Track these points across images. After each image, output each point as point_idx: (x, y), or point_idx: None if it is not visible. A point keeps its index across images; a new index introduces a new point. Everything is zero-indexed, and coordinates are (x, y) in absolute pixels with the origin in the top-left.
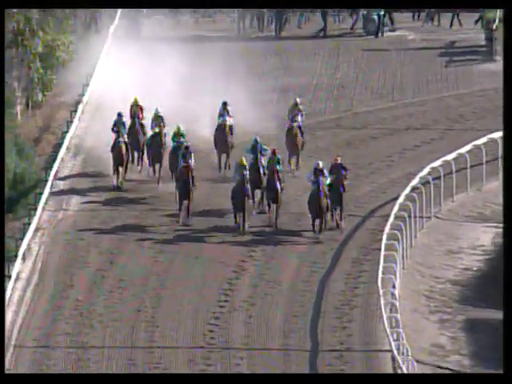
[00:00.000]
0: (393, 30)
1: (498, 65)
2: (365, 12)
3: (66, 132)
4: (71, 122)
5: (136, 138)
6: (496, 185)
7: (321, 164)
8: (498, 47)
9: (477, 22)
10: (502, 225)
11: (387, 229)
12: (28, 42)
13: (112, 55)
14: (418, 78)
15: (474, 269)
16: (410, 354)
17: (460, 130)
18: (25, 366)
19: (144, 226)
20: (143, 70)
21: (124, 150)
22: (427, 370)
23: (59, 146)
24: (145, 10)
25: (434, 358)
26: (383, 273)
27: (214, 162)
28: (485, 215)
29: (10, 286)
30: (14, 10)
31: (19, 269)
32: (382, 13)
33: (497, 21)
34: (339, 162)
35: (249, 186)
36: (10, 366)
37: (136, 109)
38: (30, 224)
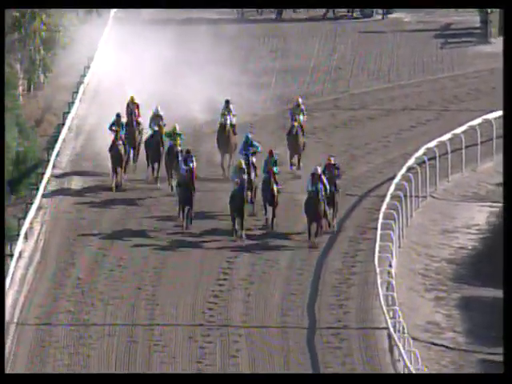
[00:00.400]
0: (389, 13)
1: (492, 47)
2: None
3: (68, 113)
4: (73, 102)
5: (132, 136)
6: (490, 165)
7: (319, 170)
8: (493, 29)
9: None
10: (496, 204)
11: (383, 208)
12: (30, 25)
13: (112, 38)
14: (413, 59)
15: (469, 247)
16: (405, 331)
17: (455, 111)
18: (27, 343)
19: (145, 205)
20: (142, 53)
21: (122, 150)
22: (422, 347)
23: (60, 126)
24: None
25: (429, 335)
26: (380, 252)
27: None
28: (479, 195)
29: (12, 264)
30: None
31: (21, 248)
32: None
33: None
34: (333, 162)
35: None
36: (12, 344)
37: (132, 106)
38: (32, 203)
